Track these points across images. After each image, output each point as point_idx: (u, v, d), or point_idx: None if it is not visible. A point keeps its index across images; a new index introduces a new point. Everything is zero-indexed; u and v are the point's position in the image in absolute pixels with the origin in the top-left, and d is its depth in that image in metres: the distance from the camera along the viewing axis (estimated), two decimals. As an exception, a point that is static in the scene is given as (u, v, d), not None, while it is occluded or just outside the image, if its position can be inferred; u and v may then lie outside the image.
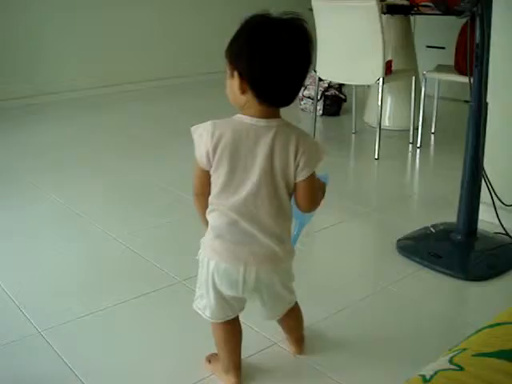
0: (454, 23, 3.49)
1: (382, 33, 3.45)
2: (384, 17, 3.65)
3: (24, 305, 2.04)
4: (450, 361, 1.01)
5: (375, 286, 2.19)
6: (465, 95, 2.69)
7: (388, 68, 3.62)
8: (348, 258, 2.47)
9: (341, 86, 4.69)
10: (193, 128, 1.45)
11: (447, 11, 2.28)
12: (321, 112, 4.63)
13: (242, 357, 1.65)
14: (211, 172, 1.45)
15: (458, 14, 2.17)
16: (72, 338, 1.87)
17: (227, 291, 1.49)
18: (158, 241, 2.55)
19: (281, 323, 1.71)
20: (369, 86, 4.25)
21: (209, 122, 1.43)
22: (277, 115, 1.44)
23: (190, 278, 2.14)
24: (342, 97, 4.71)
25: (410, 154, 3.85)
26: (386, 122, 4.19)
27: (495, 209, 2.38)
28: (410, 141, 3.90)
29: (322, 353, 1.77)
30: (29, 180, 3.25)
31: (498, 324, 1.13)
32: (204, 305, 1.55)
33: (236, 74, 1.37)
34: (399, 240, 2.48)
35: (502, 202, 2.40)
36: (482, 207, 2.40)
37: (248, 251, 1.45)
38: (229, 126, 1.42)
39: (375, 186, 3.43)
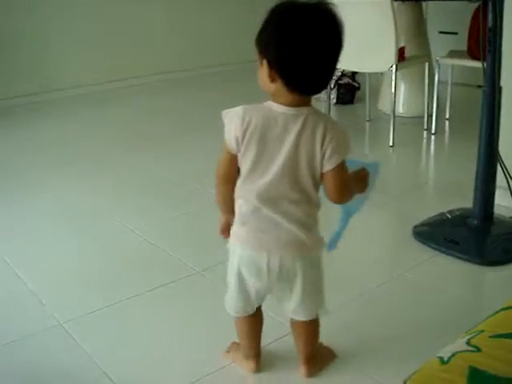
0: (466, 8, 3.47)
1: (394, 19, 3.44)
2: (396, 3, 3.63)
3: (43, 298, 2.08)
4: (468, 342, 1.02)
5: (392, 272, 2.20)
6: (478, 80, 2.67)
7: (401, 55, 3.60)
8: (364, 245, 2.48)
9: (354, 74, 4.68)
10: (224, 112, 1.45)
11: (459, -4, 2.27)
12: (335, 100, 4.62)
13: (262, 344, 1.67)
14: (239, 157, 1.43)
15: (470, -2, 2.16)
16: (92, 330, 1.90)
17: (252, 280, 1.49)
18: (174, 232, 2.58)
19: (291, 329, 1.66)
20: (382, 73, 4.23)
21: (239, 107, 1.42)
22: (307, 103, 1.41)
23: (207, 268, 2.16)
24: (356, 85, 4.69)
25: (424, 140, 3.83)
26: (400, 109, 4.18)
27: (511, 193, 2.37)
28: (425, 127, 3.89)
29: (338, 339, 1.78)
30: (33, 177, 3.28)
31: (515, 306, 1.14)
32: (229, 297, 1.56)
33: (265, 62, 1.35)
34: (415, 226, 2.48)
35: (518, 186, 2.39)
36: (498, 192, 2.39)
37: (273, 238, 1.44)
38: (259, 111, 1.41)
39: (390, 173, 3.42)
